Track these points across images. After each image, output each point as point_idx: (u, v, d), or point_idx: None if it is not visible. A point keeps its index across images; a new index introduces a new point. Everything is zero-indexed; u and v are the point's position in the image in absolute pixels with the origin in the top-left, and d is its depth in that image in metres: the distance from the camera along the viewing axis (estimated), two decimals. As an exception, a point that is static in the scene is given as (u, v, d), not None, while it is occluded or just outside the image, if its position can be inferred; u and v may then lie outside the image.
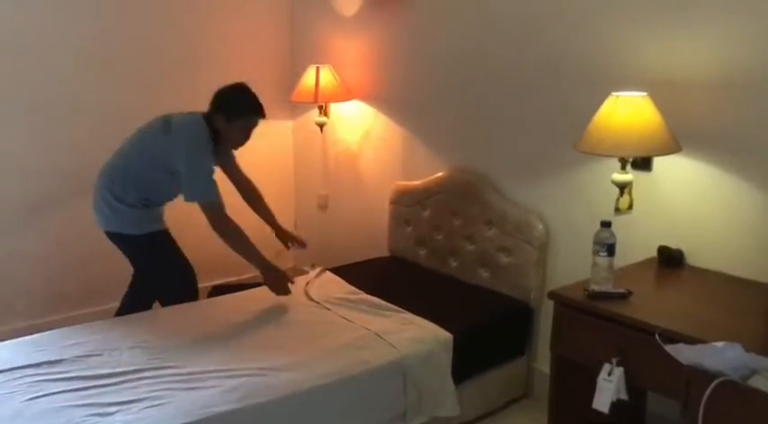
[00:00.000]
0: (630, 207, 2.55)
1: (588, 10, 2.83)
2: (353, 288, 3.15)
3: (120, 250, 3.11)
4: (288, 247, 3.45)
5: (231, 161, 3.28)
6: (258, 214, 3.37)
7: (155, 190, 3.04)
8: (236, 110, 2.96)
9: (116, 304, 3.78)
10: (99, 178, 3.07)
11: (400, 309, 2.91)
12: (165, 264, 3.13)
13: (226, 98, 2.99)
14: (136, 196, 2.99)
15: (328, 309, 2.95)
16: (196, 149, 2.90)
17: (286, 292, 3.01)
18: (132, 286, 3.27)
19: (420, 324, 2.80)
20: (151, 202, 3.05)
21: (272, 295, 3.08)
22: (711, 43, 2.49)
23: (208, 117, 2.99)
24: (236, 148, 3.15)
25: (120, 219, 3.02)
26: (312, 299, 3.04)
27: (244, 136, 3.05)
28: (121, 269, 3.79)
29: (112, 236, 3.08)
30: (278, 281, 3.01)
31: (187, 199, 2.91)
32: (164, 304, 3.17)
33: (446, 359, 2.73)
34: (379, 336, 2.69)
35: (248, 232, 3.03)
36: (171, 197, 3.11)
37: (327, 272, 3.36)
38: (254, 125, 3.03)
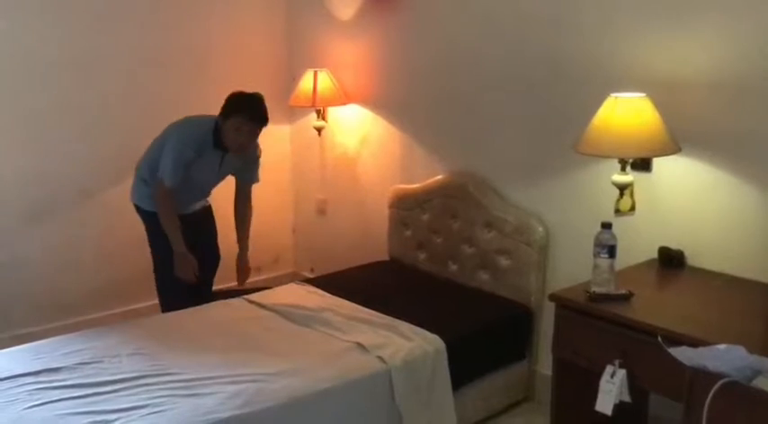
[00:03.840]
0: (633, 208, 2.55)
1: (587, 12, 2.83)
2: (346, 301, 3.08)
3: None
4: (238, 277, 3.51)
5: (244, 181, 3.42)
6: (237, 232, 3.49)
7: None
8: (228, 108, 3.13)
9: (115, 311, 3.81)
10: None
11: (397, 319, 2.86)
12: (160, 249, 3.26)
13: (227, 100, 3.15)
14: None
15: (324, 317, 2.89)
16: (178, 139, 3.13)
17: (189, 278, 3.18)
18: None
19: (416, 333, 2.76)
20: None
21: (272, 300, 3.07)
22: (710, 45, 2.49)
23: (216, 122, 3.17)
24: (234, 151, 3.19)
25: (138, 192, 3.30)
26: (309, 308, 3.00)
27: (235, 137, 3.11)
28: (120, 276, 3.80)
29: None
30: (184, 265, 3.18)
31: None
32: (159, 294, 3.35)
33: (442, 367, 2.70)
34: (376, 346, 2.64)
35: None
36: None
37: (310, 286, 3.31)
38: (244, 126, 3.10)
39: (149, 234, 3.30)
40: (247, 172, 3.39)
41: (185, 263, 3.18)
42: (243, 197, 3.46)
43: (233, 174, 3.38)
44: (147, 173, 3.23)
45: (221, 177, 3.34)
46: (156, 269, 3.34)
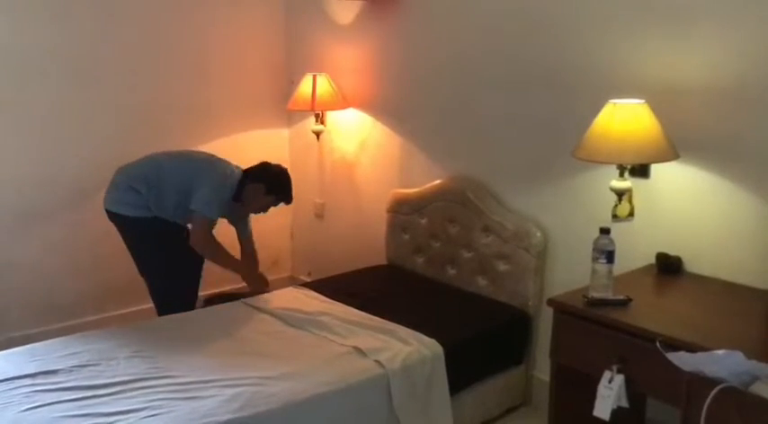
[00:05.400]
0: (631, 214, 2.55)
1: (586, 19, 2.84)
2: (344, 305, 3.09)
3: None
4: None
5: (244, 228, 3.55)
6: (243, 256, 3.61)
7: (166, 207, 3.28)
8: (278, 188, 3.37)
9: (112, 314, 3.80)
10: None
11: (394, 322, 2.86)
12: (165, 257, 3.30)
13: (274, 175, 3.37)
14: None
15: (322, 321, 2.88)
16: (221, 183, 3.26)
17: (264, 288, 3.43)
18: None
19: (414, 337, 2.75)
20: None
21: (270, 304, 3.07)
22: (708, 52, 2.50)
23: (243, 178, 3.31)
24: (250, 213, 3.47)
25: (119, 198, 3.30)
26: (307, 312, 2.99)
27: (266, 208, 3.42)
28: (118, 279, 3.80)
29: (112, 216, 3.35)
30: (261, 281, 3.51)
31: (191, 206, 3.20)
32: (157, 305, 3.36)
33: (440, 372, 2.70)
34: (374, 350, 2.65)
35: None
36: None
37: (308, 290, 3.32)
38: (276, 203, 3.43)
39: (142, 242, 3.30)
40: (245, 225, 3.55)
41: (261, 280, 3.50)
42: (246, 241, 3.57)
43: (226, 218, 3.45)
44: (144, 187, 3.24)
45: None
46: (160, 276, 3.32)
